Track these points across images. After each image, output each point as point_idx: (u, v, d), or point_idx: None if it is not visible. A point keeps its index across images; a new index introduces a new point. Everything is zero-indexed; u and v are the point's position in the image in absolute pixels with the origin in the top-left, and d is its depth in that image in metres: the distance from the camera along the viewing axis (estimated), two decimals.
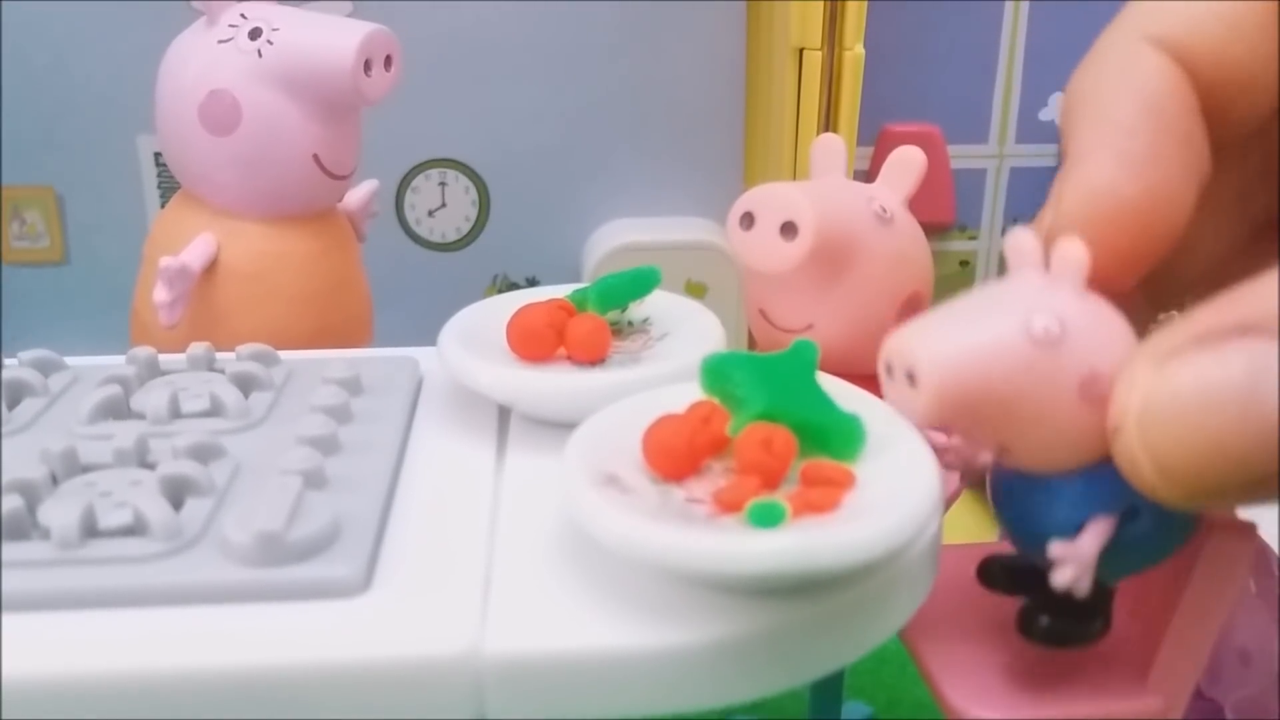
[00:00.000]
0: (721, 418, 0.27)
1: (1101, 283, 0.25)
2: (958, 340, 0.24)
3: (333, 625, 0.24)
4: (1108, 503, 0.25)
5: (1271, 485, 0.21)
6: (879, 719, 0.51)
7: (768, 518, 0.24)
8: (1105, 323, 0.25)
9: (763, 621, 0.24)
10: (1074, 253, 0.25)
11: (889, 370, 0.25)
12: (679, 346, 0.34)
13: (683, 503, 0.26)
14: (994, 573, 0.31)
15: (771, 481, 0.26)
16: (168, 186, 0.76)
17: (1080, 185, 0.27)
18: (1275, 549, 0.38)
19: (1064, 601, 0.27)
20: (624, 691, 0.24)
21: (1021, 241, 0.26)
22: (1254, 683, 0.38)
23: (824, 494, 0.25)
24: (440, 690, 0.23)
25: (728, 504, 0.25)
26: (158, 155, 0.74)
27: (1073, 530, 0.26)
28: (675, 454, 0.26)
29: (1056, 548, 0.25)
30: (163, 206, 0.53)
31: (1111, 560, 0.26)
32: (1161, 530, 0.27)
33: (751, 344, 0.39)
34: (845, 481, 0.26)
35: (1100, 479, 0.25)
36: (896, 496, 0.25)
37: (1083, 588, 0.26)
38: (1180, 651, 0.31)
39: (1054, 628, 0.29)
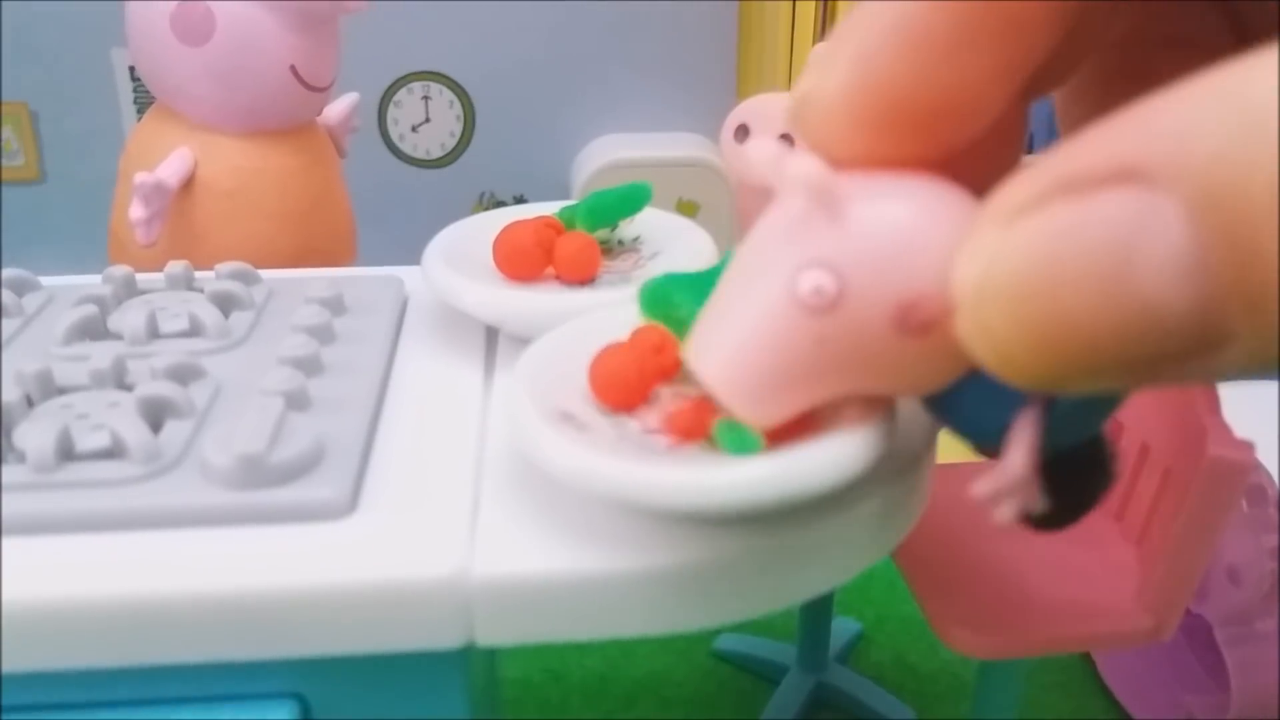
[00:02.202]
0: (672, 345, 0.26)
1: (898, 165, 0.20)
2: (732, 349, 0.21)
3: (317, 549, 0.24)
4: (1010, 397, 0.20)
5: (1134, 372, 0.16)
6: (868, 635, 0.51)
7: (739, 440, 0.23)
8: (905, 223, 0.19)
9: (753, 544, 0.24)
10: (802, 171, 0.19)
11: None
12: (670, 266, 0.33)
13: (639, 434, 0.25)
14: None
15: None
16: (144, 101, 0.74)
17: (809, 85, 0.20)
18: (1272, 471, 0.38)
19: (1055, 479, 0.23)
20: (615, 613, 0.24)
21: (758, 155, 0.22)
22: (1242, 601, 0.38)
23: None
24: (428, 614, 0.23)
25: (686, 431, 0.24)
26: (133, 69, 0.72)
27: (998, 433, 0.21)
28: (627, 387, 0.25)
29: (979, 489, 0.21)
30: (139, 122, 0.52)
31: (1061, 431, 0.21)
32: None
33: None
34: None
35: (986, 380, 0.19)
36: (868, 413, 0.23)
37: (1037, 504, 0.21)
38: (1174, 570, 0.31)
39: (1052, 514, 0.25)
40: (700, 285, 0.27)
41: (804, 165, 0.19)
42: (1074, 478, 0.23)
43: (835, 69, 0.19)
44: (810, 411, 0.23)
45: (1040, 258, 0.15)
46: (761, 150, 0.21)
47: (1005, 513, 0.20)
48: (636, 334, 0.26)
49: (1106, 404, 0.22)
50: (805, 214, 0.19)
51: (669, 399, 0.26)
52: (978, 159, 0.20)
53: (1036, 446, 0.20)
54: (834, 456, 0.22)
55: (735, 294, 0.21)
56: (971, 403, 0.21)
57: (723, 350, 0.21)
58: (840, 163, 0.20)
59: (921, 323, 0.19)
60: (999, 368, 0.17)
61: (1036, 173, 0.16)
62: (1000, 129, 0.20)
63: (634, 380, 0.25)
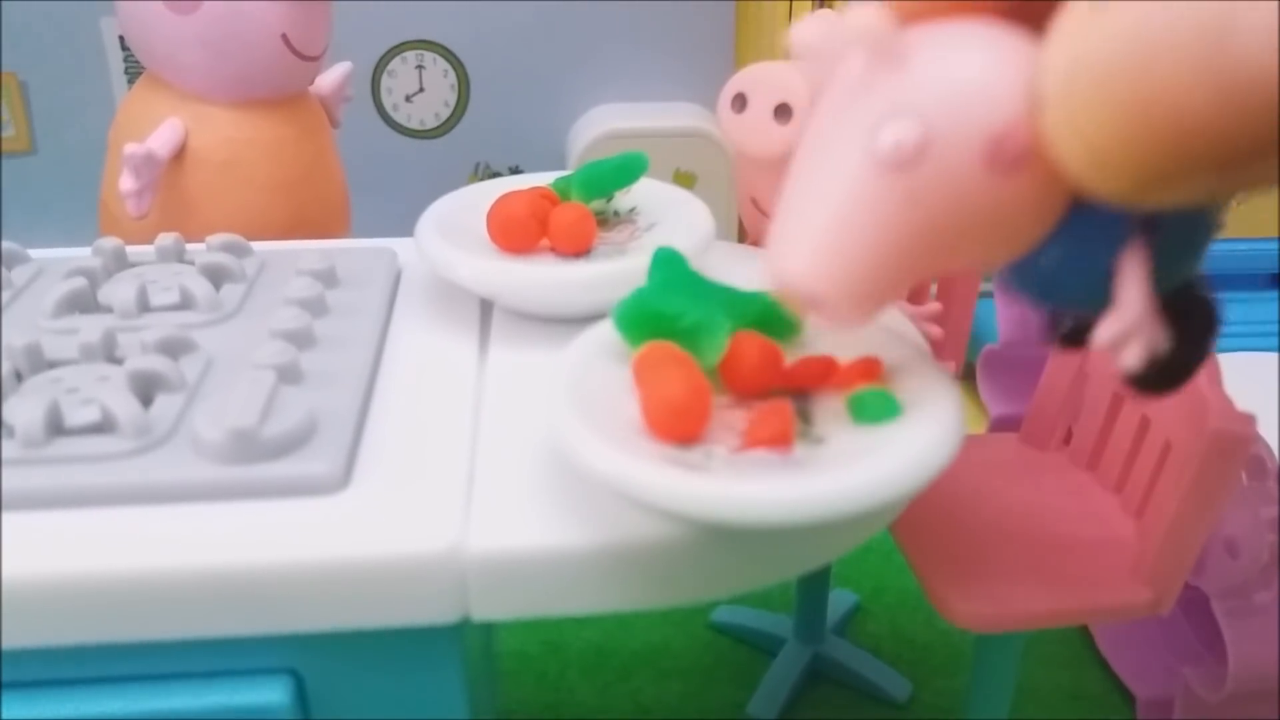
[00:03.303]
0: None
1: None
2: (819, 234, 0.19)
3: (311, 524, 0.23)
4: (1114, 233, 0.19)
5: (1228, 166, 0.15)
6: (864, 607, 0.51)
7: (880, 406, 0.23)
8: (977, 58, 0.18)
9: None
10: (862, 21, 0.18)
11: (790, 301, 0.21)
12: (667, 238, 0.33)
13: (729, 456, 0.23)
14: (1071, 334, 0.25)
15: (803, 384, 0.25)
16: (135, 71, 0.73)
17: None
18: (1271, 443, 0.38)
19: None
20: (612, 588, 0.24)
21: (806, 34, 0.20)
22: (1240, 573, 0.38)
23: (868, 384, 0.24)
24: (423, 589, 0.23)
25: (773, 437, 0.23)
26: (123, 38, 0.72)
27: (1103, 280, 0.20)
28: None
29: (1104, 333, 0.20)
30: None
31: (1163, 268, 0.20)
32: (1196, 214, 0.20)
33: (742, 235, 0.37)
34: (872, 370, 0.25)
35: (1088, 217, 0.19)
36: (931, 410, 0.23)
37: (1161, 342, 0.20)
38: (1174, 544, 0.30)
39: (1167, 367, 0.23)
40: (681, 285, 0.27)
41: (863, 14, 0.18)
42: (1181, 327, 0.21)
43: None
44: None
45: (1132, 32, 0.14)
46: (812, 26, 0.21)
47: (1131, 356, 0.19)
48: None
49: (1203, 236, 0.21)
50: (868, 72, 0.18)
51: (736, 419, 0.25)
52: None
53: (1148, 279, 0.19)
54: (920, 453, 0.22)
55: (809, 180, 0.19)
56: (1071, 253, 0.20)
57: (809, 240, 0.19)
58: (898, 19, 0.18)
59: (1013, 157, 0.18)
60: (1091, 168, 0.16)
61: None
62: None
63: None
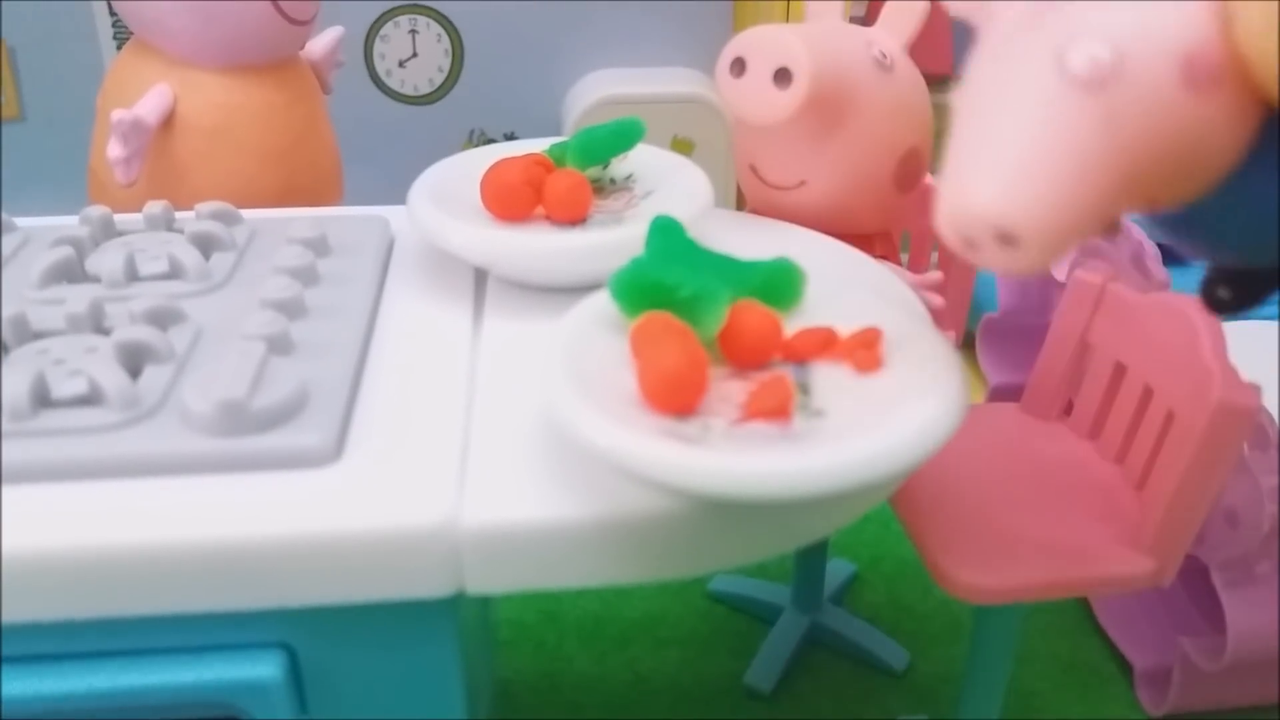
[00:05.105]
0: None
1: None
2: (1014, 163, 0.18)
3: (302, 497, 0.23)
4: None
5: None
6: (862, 577, 0.51)
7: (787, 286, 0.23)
8: None
9: None
10: None
11: (970, 243, 0.20)
12: (665, 205, 0.32)
13: (728, 429, 0.23)
14: (1219, 296, 0.25)
15: (811, 352, 0.25)
16: (124, 37, 0.72)
17: None
18: (1273, 411, 0.38)
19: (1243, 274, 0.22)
20: (608, 561, 0.23)
21: None
22: (1240, 543, 0.38)
23: (869, 355, 0.24)
24: (417, 563, 0.23)
25: (773, 409, 0.23)
26: (110, 3, 0.71)
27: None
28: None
29: None
30: None
31: None
32: None
33: (740, 203, 0.37)
34: (870, 340, 0.25)
35: (1270, 140, 0.19)
36: (929, 376, 0.23)
37: None
38: (1176, 515, 0.30)
39: (1235, 297, 0.23)
40: (679, 254, 0.26)
41: None
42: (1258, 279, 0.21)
43: None
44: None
45: None
46: None
47: None
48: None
49: None
50: (1035, 12, 0.18)
51: (721, 399, 0.24)
52: None
53: None
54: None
55: (990, 113, 0.18)
56: (1264, 181, 0.19)
57: (1001, 169, 0.18)
58: None
59: (1209, 74, 0.17)
60: None
61: None
62: None
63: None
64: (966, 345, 0.63)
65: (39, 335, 0.27)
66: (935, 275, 0.33)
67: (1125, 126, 0.17)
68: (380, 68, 0.72)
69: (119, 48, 0.71)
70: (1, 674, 0.23)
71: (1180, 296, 0.33)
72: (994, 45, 0.19)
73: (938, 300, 0.31)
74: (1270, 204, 0.19)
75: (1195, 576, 0.43)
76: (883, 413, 0.22)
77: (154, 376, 0.26)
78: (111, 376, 0.25)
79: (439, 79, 0.73)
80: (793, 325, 0.26)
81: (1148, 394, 0.34)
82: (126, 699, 0.23)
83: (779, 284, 0.26)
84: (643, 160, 0.35)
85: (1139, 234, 0.41)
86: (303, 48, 0.46)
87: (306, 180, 0.44)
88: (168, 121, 0.42)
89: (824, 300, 0.26)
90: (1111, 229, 0.21)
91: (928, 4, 0.35)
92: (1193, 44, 0.17)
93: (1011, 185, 0.18)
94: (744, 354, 0.24)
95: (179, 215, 0.34)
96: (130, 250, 0.31)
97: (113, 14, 0.71)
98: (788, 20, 0.62)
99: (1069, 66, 0.17)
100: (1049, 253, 0.18)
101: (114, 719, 0.23)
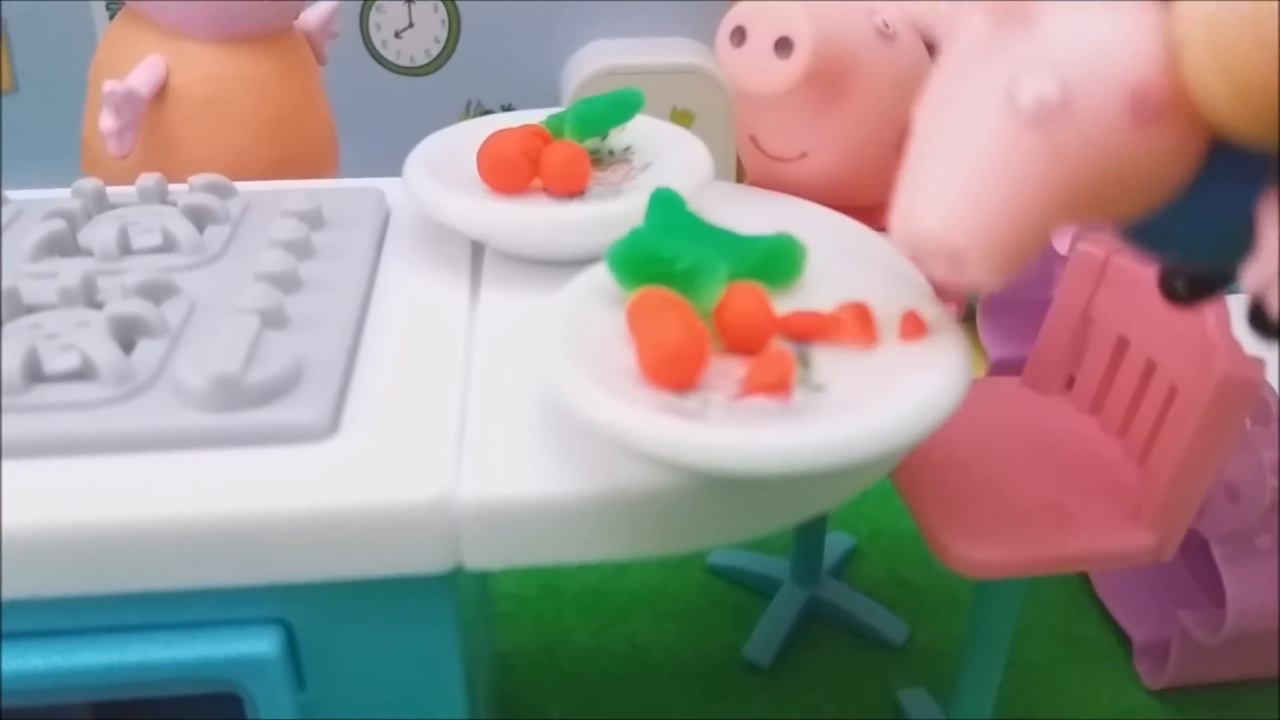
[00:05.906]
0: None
1: None
2: (959, 188, 0.19)
3: (298, 472, 0.23)
4: (1254, 179, 0.19)
5: None
6: (861, 550, 0.51)
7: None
8: (1110, 12, 0.18)
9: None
10: None
11: (920, 258, 0.21)
12: (664, 177, 0.32)
13: (727, 405, 0.23)
14: (1177, 289, 0.26)
15: (808, 334, 0.25)
16: (116, 7, 0.71)
17: None
18: (1274, 385, 0.37)
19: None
20: (607, 536, 0.23)
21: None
22: (1241, 518, 0.38)
23: (865, 330, 0.24)
24: (414, 538, 0.22)
25: (771, 385, 0.23)
26: None
27: (1240, 229, 0.20)
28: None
29: (1252, 279, 0.20)
30: None
31: None
32: None
33: (741, 174, 0.37)
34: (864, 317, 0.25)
35: (1227, 164, 0.19)
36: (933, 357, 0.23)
37: None
38: (1178, 490, 0.30)
39: (1191, 291, 0.24)
40: (679, 227, 0.26)
41: None
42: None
43: None
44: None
45: None
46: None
47: (1276, 300, 0.19)
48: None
49: None
50: (995, 33, 0.19)
51: (734, 366, 0.24)
52: None
53: None
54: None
55: (941, 136, 0.19)
56: (1209, 202, 0.20)
57: (948, 194, 0.19)
58: None
59: (1155, 107, 0.18)
60: (1238, 107, 0.17)
61: None
62: None
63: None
64: (968, 319, 0.63)
65: (31, 309, 0.27)
66: None
67: (1069, 159, 0.18)
68: (376, 38, 0.72)
69: (111, 18, 0.70)
70: None
71: None
72: (954, 62, 0.20)
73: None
74: (1216, 221, 0.20)
75: (1195, 550, 0.43)
76: (884, 387, 0.22)
77: (147, 351, 0.25)
78: (104, 351, 0.24)
79: (435, 49, 0.72)
80: (793, 299, 0.25)
81: (1150, 367, 0.34)
82: (122, 675, 0.23)
83: (779, 258, 0.26)
84: (642, 132, 0.35)
85: None
86: (297, 18, 0.45)
87: (301, 152, 0.44)
88: (161, 93, 0.41)
89: (825, 274, 0.26)
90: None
91: None
92: (1141, 76, 0.18)
93: (956, 209, 0.19)
94: (739, 341, 0.24)
95: (172, 188, 0.33)
96: (123, 223, 0.30)
97: None
98: None
99: (1016, 102, 0.18)
100: (995, 270, 0.19)
101: (110, 696, 0.23)
